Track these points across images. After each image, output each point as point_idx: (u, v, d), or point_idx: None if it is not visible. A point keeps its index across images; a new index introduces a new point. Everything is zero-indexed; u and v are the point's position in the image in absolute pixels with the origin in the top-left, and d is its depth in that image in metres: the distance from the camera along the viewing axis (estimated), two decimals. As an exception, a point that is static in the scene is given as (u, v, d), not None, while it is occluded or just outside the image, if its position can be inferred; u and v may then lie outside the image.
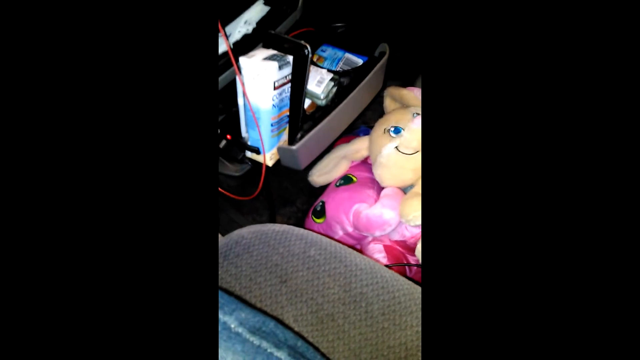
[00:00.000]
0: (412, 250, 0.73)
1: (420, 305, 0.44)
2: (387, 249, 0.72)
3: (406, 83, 0.99)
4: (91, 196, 0.26)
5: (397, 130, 0.74)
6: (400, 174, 0.72)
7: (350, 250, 0.49)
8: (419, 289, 0.46)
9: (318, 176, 0.85)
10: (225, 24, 0.68)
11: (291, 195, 0.98)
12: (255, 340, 0.31)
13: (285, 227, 0.50)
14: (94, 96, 0.27)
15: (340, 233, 0.77)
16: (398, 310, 0.44)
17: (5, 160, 0.25)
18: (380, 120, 0.79)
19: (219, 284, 0.45)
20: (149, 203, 0.27)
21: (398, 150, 0.71)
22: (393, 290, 0.45)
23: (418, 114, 0.75)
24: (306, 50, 0.65)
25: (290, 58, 0.67)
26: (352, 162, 0.85)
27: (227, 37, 0.66)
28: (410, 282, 0.47)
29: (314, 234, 0.50)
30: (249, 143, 0.75)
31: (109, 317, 0.25)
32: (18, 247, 0.25)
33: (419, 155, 0.70)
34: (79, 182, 0.26)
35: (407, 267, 0.73)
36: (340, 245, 0.49)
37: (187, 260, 0.27)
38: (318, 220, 0.80)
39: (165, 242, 0.27)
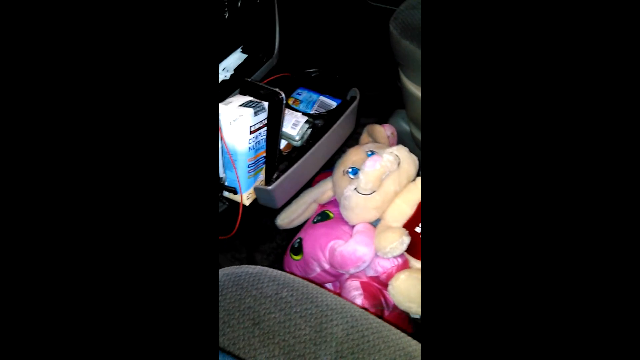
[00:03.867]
0: (385, 285, 0.74)
1: (388, 344, 0.46)
2: (364, 286, 0.74)
3: (381, 120, 1.04)
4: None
5: (355, 171, 0.75)
6: (363, 213, 0.74)
7: (322, 290, 0.51)
8: (387, 326, 0.48)
9: (287, 223, 0.87)
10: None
11: (270, 231, 0.99)
12: None
13: (258, 268, 0.52)
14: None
15: (317, 270, 0.78)
16: (367, 348, 0.45)
17: (5, 160, 0.26)
18: (339, 162, 0.82)
19: None
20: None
21: (357, 191, 0.72)
22: (362, 329, 0.47)
23: (372, 152, 0.77)
24: (280, 97, 0.69)
25: (265, 104, 0.71)
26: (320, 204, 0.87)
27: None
28: (379, 321, 0.48)
29: (287, 275, 0.52)
30: (226, 183, 0.78)
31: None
32: (15, 249, 0.26)
33: (377, 195, 0.72)
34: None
35: (385, 306, 0.75)
36: (313, 285, 0.51)
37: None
38: (296, 257, 0.82)
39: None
